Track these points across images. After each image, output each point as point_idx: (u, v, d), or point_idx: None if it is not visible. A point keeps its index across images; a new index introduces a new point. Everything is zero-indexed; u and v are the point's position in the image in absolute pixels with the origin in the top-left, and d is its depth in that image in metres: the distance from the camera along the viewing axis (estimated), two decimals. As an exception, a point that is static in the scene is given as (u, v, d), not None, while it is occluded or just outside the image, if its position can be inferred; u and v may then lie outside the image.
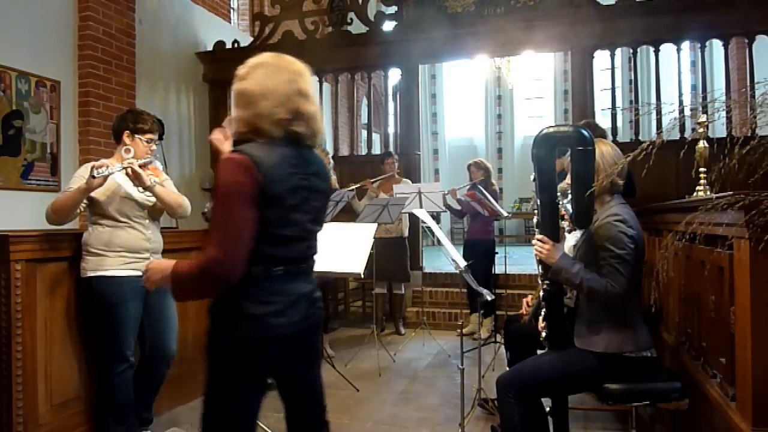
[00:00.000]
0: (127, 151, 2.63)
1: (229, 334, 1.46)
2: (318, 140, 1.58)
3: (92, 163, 2.62)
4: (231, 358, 1.47)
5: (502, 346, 3.48)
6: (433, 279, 6.10)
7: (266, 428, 2.85)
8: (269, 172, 1.42)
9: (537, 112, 13.18)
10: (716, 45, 5.31)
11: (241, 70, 1.55)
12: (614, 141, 4.96)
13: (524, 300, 2.78)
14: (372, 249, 3.65)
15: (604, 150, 2.21)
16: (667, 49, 5.30)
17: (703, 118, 2.43)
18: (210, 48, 6.57)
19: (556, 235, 2.16)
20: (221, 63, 6.49)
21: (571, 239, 2.40)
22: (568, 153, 2.14)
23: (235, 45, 6.49)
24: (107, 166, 2.44)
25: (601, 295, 2.04)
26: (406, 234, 5.27)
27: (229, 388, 1.48)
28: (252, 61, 1.56)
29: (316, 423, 1.68)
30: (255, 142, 1.48)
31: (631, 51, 5.47)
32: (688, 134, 4.80)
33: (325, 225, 1.72)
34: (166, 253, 2.84)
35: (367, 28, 6.09)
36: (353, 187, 4.94)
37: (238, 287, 1.42)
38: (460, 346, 2.88)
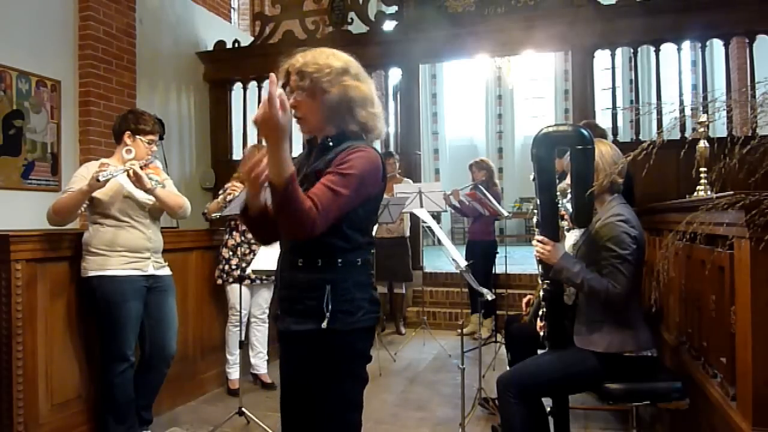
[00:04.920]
0: (128, 151, 2.63)
1: None
2: None
3: (93, 163, 2.63)
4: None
5: (503, 346, 3.48)
6: (434, 279, 6.10)
7: (266, 428, 2.85)
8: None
9: (537, 111, 13.17)
10: (717, 45, 5.31)
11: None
12: (615, 141, 4.97)
13: (523, 300, 2.78)
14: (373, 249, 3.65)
15: (604, 150, 2.22)
16: (668, 48, 5.29)
17: (703, 117, 2.43)
18: (210, 48, 6.57)
19: (555, 235, 2.16)
20: (222, 63, 6.51)
21: (571, 238, 2.40)
22: (568, 154, 2.15)
23: (236, 45, 6.49)
24: (109, 167, 2.45)
25: (603, 295, 2.04)
26: (408, 234, 5.27)
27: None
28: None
29: None
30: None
31: (632, 51, 5.46)
32: (688, 134, 4.80)
33: None
34: (166, 252, 2.85)
35: (368, 28, 6.09)
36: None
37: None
38: (461, 346, 2.88)
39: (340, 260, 1.49)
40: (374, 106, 1.56)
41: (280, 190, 1.30)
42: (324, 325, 1.44)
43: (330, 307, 1.45)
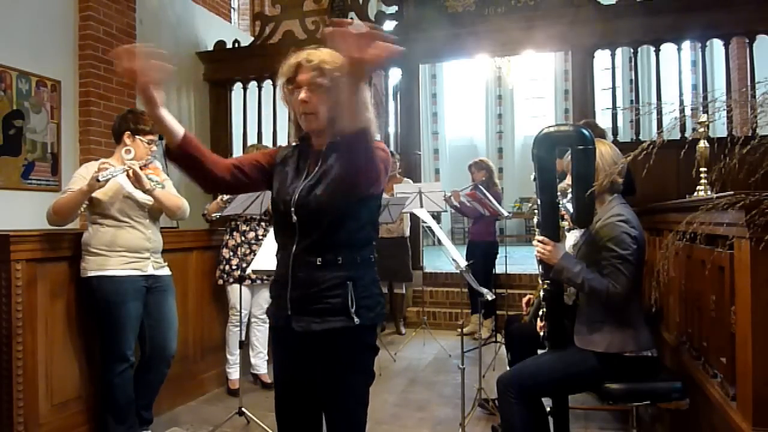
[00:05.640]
0: (128, 151, 2.63)
1: None
2: None
3: (92, 163, 2.63)
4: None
5: (503, 346, 3.48)
6: (434, 279, 6.10)
7: (266, 428, 2.85)
8: None
9: (537, 111, 13.18)
10: (717, 44, 5.31)
11: None
12: (615, 141, 4.97)
13: (523, 300, 2.78)
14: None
15: (603, 150, 2.22)
16: (668, 48, 5.29)
17: (703, 117, 2.43)
18: (210, 48, 6.57)
19: (556, 235, 2.17)
20: (222, 63, 6.50)
21: (571, 238, 2.40)
22: (568, 154, 2.15)
23: (236, 45, 6.49)
24: (110, 168, 2.45)
25: (603, 295, 2.04)
26: (408, 234, 5.27)
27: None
28: None
29: None
30: None
31: (632, 51, 5.46)
32: (688, 134, 4.79)
33: None
34: (166, 252, 2.85)
35: (368, 28, 6.08)
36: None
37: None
38: (461, 346, 2.88)
39: (358, 257, 1.52)
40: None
41: (361, 131, 1.30)
42: (356, 321, 1.47)
43: (354, 304, 1.48)
